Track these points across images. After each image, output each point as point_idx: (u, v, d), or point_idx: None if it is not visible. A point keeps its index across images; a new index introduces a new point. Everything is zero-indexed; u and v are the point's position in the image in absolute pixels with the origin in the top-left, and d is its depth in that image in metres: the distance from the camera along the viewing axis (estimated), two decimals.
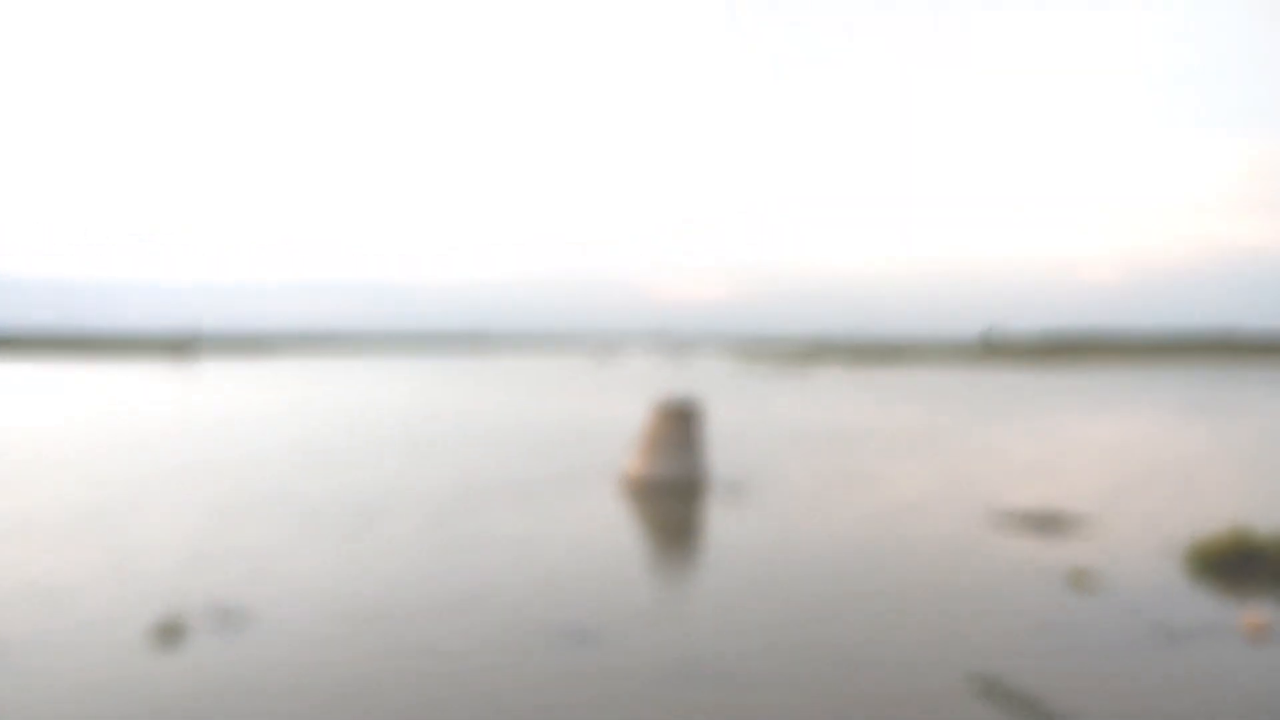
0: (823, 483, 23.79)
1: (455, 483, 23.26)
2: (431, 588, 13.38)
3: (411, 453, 29.49)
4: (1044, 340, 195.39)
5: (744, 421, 41.99)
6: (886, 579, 14.00)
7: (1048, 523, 18.11)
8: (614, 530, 18.19)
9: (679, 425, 23.84)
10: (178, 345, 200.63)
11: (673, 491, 22.36)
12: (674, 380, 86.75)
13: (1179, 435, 37.50)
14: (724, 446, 29.43)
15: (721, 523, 19.10)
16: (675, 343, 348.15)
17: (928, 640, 11.01)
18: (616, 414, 45.02)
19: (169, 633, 11.03)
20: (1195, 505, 20.00)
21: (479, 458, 28.21)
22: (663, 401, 24.56)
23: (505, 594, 13.10)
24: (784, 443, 33.15)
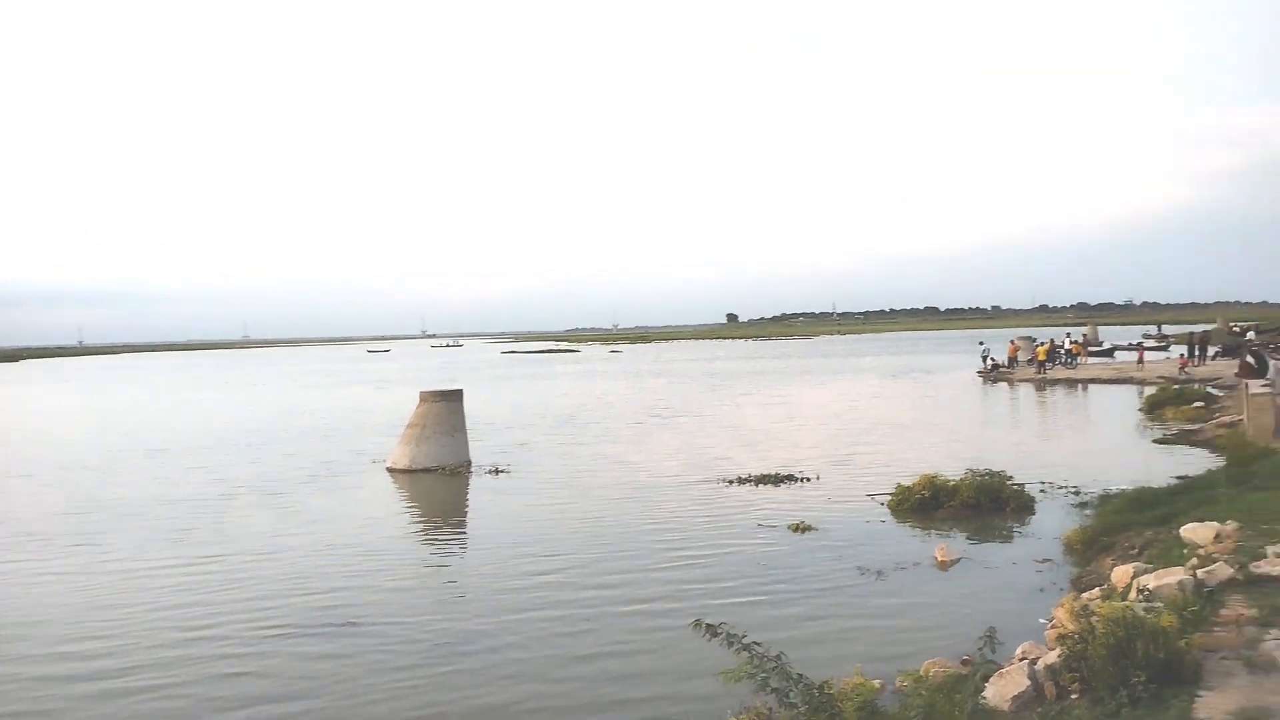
0: (578, 460, 24.91)
1: (210, 484, 22.34)
2: (179, 595, 13.09)
3: (162, 458, 27.81)
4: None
5: (510, 406, 42.63)
6: (634, 543, 15.14)
7: (774, 481, 20.04)
8: (378, 518, 18.36)
9: (443, 413, 24.12)
10: None
11: (438, 477, 22.69)
12: (444, 370, 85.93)
13: (883, 397, 42.06)
14: (488, 431, 29.90)
15: (484, 504, 19.74)
16: (447, 335, 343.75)
17: (665, 592, 12.20)
18: (385, 404, 44.28)
19: None
20: (897, 458, 22.74)
21: (236, 458, 27.09)
22: (428, 391, 24.73)
23: (254, 588, 13.08)
24: (546, 424, 34.13)
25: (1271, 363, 24.49)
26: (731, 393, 48.08)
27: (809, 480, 20.21)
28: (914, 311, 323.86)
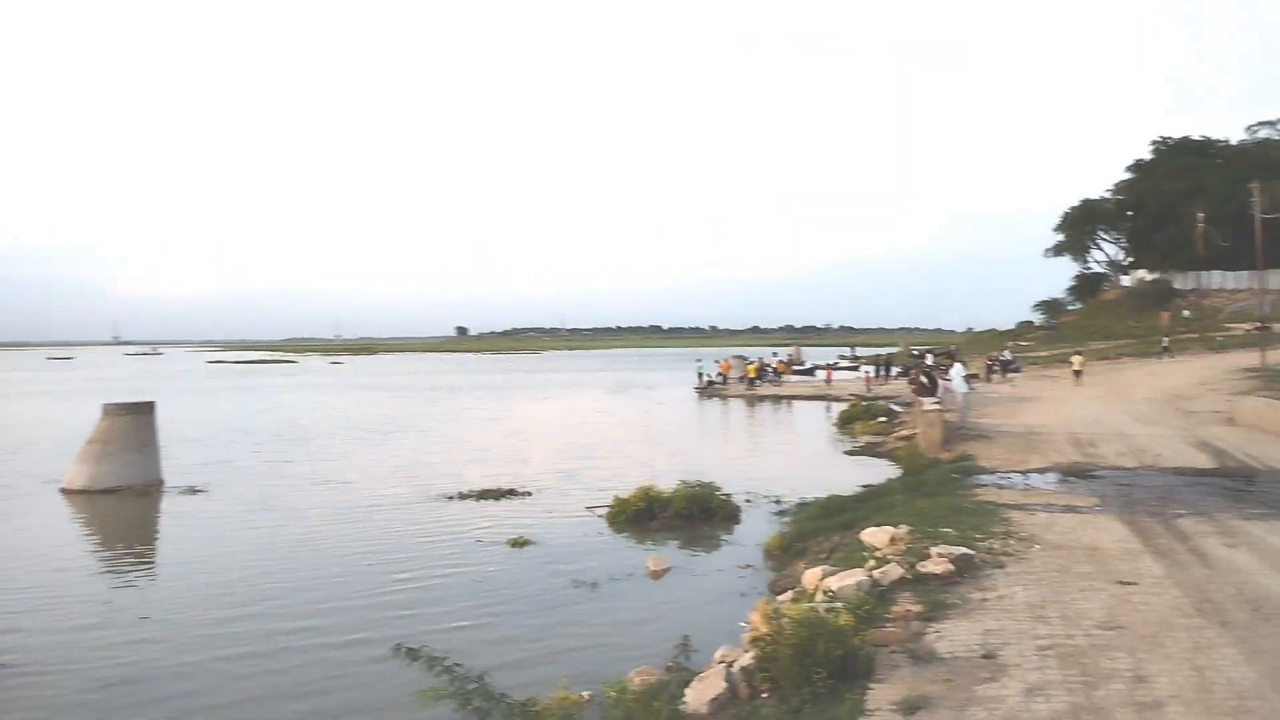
0: (287, 480, 23.40)
1: None
2: None
3: None
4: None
5: (214, 420, 39.41)
6: (345, 568, 14.35)
7: (495, 496, 19.87)
8: (48, 546, 16.24)
9: (129, 427, 21.81)
10: None
11: (122, 498, 20.47)
12: (138, 381, 77.85)
13: (607, 412, 43.19)
14: (187, 449, 27.42)
15: (177, 528, 18.00)
16: (145, 341, 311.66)
17: (377, 618, 11.65)
18: (64, 418, 39.40)
19: None
20: (618, 471, 23.28)
21: None
22: (112, 404, 22.29)
23: None
24: (253, 441, 31.85)
25: (941, 383, 27.48)
26: (456, 407, 47.37)
27: (530, 495, 20.21)
28: (639, 329, 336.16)
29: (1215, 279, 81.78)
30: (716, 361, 56.02)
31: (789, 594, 10.72)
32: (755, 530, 16.19)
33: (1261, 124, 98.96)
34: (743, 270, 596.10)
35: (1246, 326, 57.05)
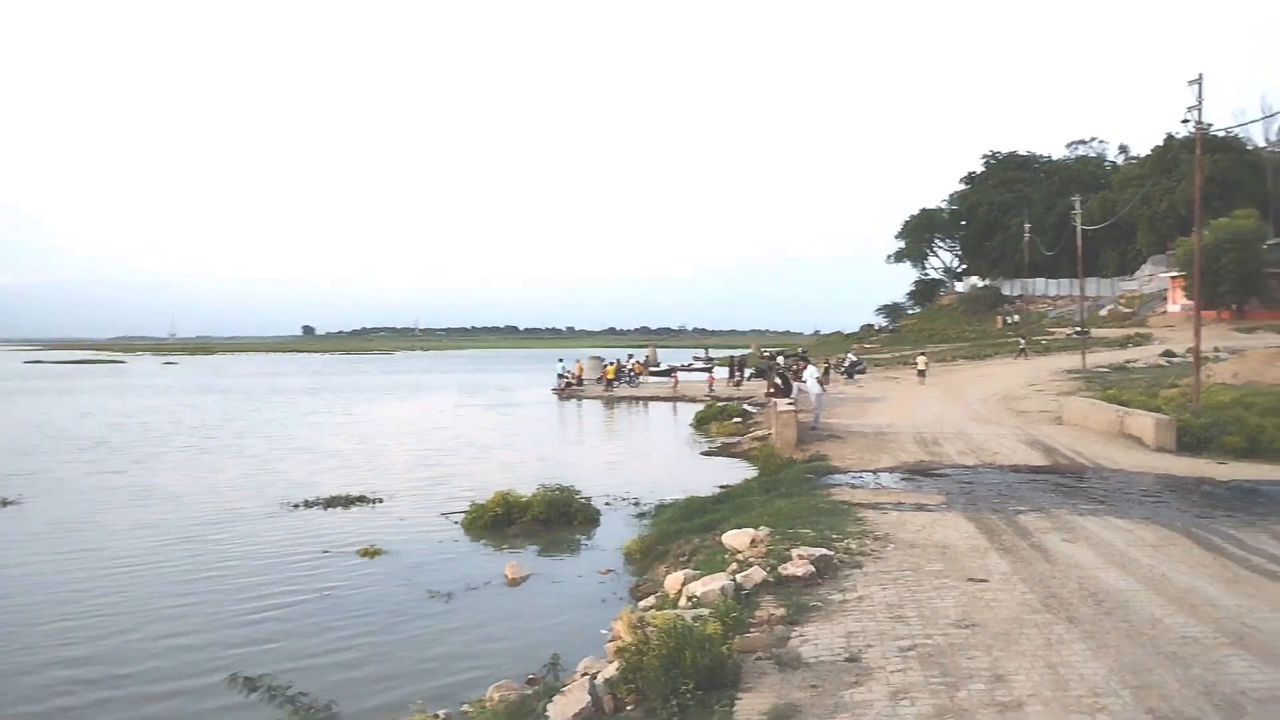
0: (111, 492, 21.67)
1: None
2: None
3: None
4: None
5: (27, 426, 36.30)
6: (177, 589, 13.28)
7: (345, 504, 19.02)
8: None
9: None
10: None
11: None
12: None
13: (463, 415, 42.29)
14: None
15: None
16: None
17: (215, 640, 10.82)
18: None
19: None
20: (475, 476, 22.73)
21: None
22: None
23: None
24: (72, 449, 29.47)
25: (795, 384, 28.13)
26: (301, 411, 45.36)
27: (382, 502, 19.43)
28: (495, 330, 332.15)
29: (1039, 286, 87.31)
30: (562, 361, 55.64)
31: (651, 599, 10.58)
32: (615, 534, 16.04)
33: (1079, 142, 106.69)
34: (600, 272, 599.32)
35: (1067, 331, 61.08)
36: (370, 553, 14.85)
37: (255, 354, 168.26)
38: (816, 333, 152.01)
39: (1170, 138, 73.10)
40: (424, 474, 23.60)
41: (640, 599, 11.16)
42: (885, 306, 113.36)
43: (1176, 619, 7.36)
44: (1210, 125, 27.51)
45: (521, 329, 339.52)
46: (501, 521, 16.70)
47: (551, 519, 16.77)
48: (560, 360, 56.20)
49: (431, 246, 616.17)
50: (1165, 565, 9.28)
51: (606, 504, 18.65)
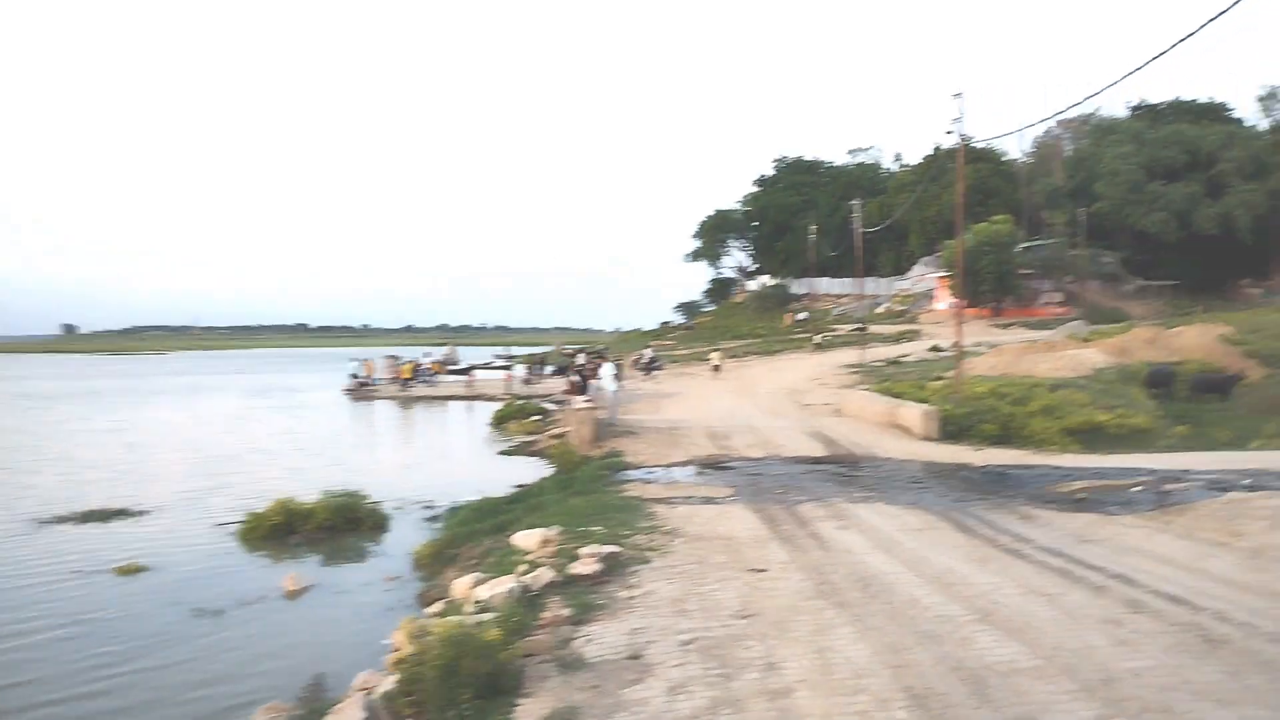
0: None
1: None
2: None
3: None
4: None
5: None
6: None
7: (103, 518, 17.46)
8: None
9: None
10: None
11: None
12: None
13: (246, 418, 39.95)
14: None
15: None
16: None
17: None
18: None
19: None
20: (257, 483, 21.42)
21: None
22: None
23: None
24: None
25: (591, 382, 28.30)
26: (57, 418, 41.39)
27: (148, 514, 17.95)
28: (283, 328, 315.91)
29: (824, 285, 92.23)
30: (356, 360, 53.54)
31: (439, 605, 10.27)
32: (406, 539, 15.53)
33: (859, 149, 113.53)
34: (397, 268, 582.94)
35: (849, 327, 64.83)
36: (130, 570, 13.66)
37: (3, 355, 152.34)
38: (618, 330, 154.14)
39: (937, 148, 78.88)
40: (199, 483, 21.99)
41: (428, 605, 10.83)
42: (683, 304, 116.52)
43: (933, 598, 7.85)
44: (971, 137, 29.90)
45: (313, 327, 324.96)
46: (282, 531, 15.79)
47: (337, 526, 16.04)
48: (353, 360, 54.10)
49: (213, 239, 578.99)
50: (926, 547, 9.92)
51: (397, 508, 18.05)
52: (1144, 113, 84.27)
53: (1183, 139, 72.98)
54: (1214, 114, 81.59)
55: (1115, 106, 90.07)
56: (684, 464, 18.07)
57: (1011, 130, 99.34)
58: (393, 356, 58.59)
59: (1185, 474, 14.50)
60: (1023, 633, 6.82)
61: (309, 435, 32.76)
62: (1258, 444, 19.89)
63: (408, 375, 50.98)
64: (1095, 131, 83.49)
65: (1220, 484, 13.13)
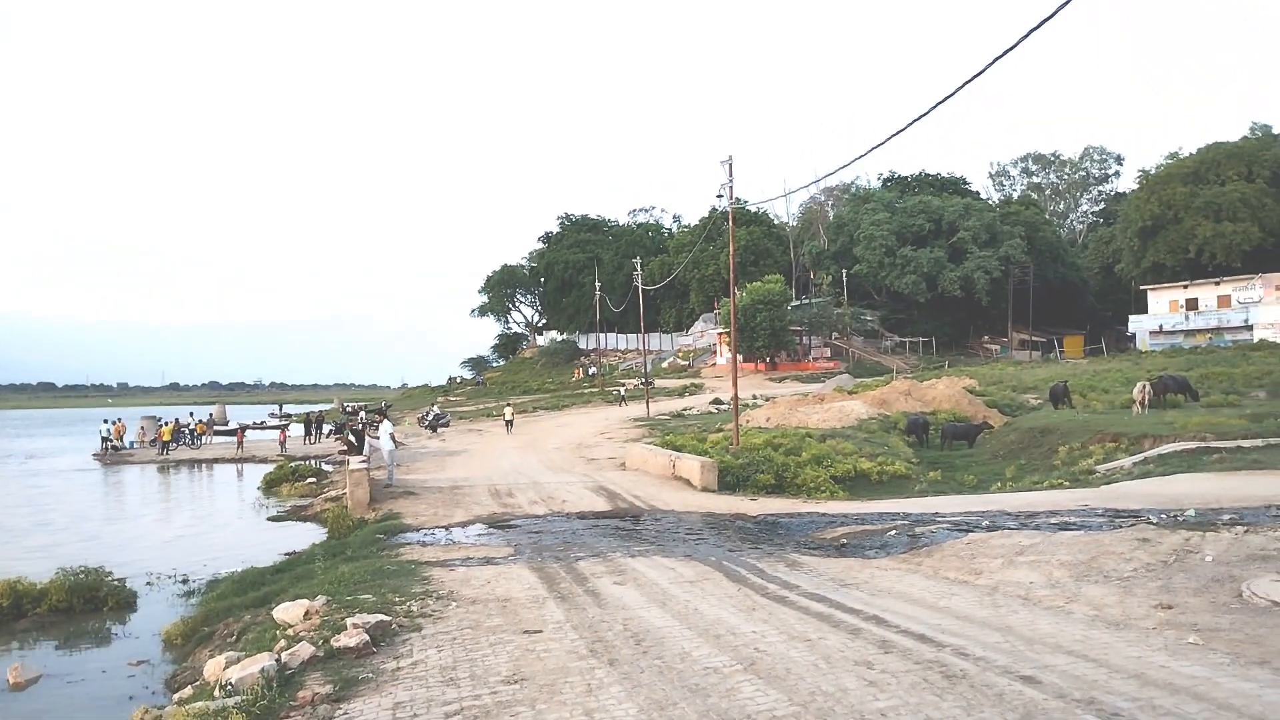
0: None
1: None
2: None
3: None
4: None
5: None
6: None
7: None
8: None
9: None
10: None
11: None
12: None
13: None
14: None
15: None
16: None
17: None
18: None
19: None
20: None
21: None
22: None
23: None
24: None
25: (369, 440, 27.26)
26: None
27: None
28: (23, 388, 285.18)
29: (611, 340, 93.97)
30: (107, 422, 49.13)
31: (188, 690, 9.43)
32: (156, 617, 14.27)
33: (640, 209, 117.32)
34: (159, 318, 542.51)
35: (635, 381, 66.19)
36: None
37: None
38: (404, 386, 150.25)
39: (713, 210, 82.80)
40: None
41: (177, 691, 9.92)
42: (471, 359, 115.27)
43: (702, 650, 7.97)
44: (744, 201, 31.58)
45: (61, 386, 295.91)
46: (8, 615, 14.18)
47: (75, 607, 14.53)
48: (105, 421, 49.61)
49: None
50: (699, 599, 10.10)
51: (149, 584, 16.60)
52: (894, 183, 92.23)
53: (928, 209, 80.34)
54: (953, 187, 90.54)
55: (870, 176, 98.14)
56: (465, 524, 17.65)
57: (777, 195, 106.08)
58: (151, 417, 54.29)
59: (935, 517, 15.63)
60: (783, 679, 7.03)
61: (48, 505, 29.60)
62: (997, 487, 21.80)
63: (167, 438, 47.25)
64: (853, 199, 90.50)
65: (964, 525, 14.23)
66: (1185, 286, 64.86)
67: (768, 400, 45.28)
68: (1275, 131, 67.86)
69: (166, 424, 49.46)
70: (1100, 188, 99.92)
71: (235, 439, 49.20)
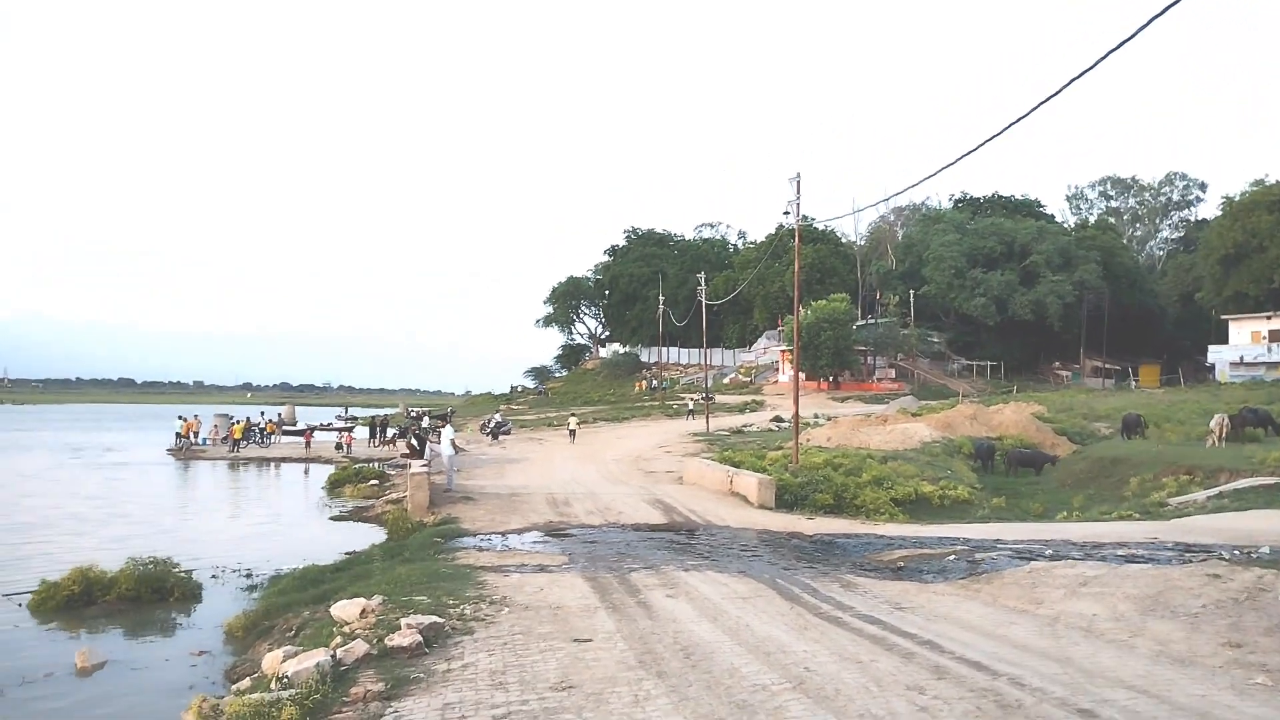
0: None
1: None
2: None
3: None
4: None
5: None
6: None
7: None
8: None
9: None
10: None
11: None
12: None
13: (58, 479, 36.98)
14: None
15: None
16: None
17: None
18: None
19: None
20: (60, 550, 19.76)
21: None
22: None
23: None
24: None
25: (430, 445, 27.65)
26: None
27: None
28: (105, 382, 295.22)
29: (673, 354, 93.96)
30: (181, 419, 50.62)
31: (246, 682, 9.65)
32: (219, 610, 14.62)
33: (706, 224, 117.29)
34: (234, 320, 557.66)
35: (696, 396, 66.03)
36: None
37: None
38: (467, 393, 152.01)
39: (779, 227, 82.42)
40: None
41: (236, 682, 10.15)
42: (534, 369, 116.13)
43: (752, 667, 7.91)
44: (811, 219, 31.43)
45: (140, 383, 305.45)
46: (79, 601, 14.64)
47: (143, 597, 14.97)
48: (180, 418, 51.14)
49: (19, 281, 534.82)
50: (750, 615, 10.03)
51: (214, 577, 17.03)
52: (965, 205, 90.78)
53: (1000, 231, 78.85)
54: (1027, 209, 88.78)
55: (942, 197, 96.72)
56: (521, 531, 17.79)
57: (845, 213, 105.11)
58: (224, 415, 55.76)
59: (997, 544, 15.29)
60: (832, 700, 6.94)
61: (125, 497, 30.58)
62: (1063, 516, 21.24)
63: (238, 436, 48.51)
64: (923, 220, 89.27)
65: (1026, 553, 13.89)
66: (1269, 318, 62.56)
67: (829, 419, 44.80)
68: None
69: (238, 422, 50.78)
70: (1181, 214, 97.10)
71: (303, 439, 50.33)
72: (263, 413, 60.73)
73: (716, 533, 17.46)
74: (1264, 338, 62.66)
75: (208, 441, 50.19)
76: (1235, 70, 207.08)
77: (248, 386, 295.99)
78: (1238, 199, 69.38)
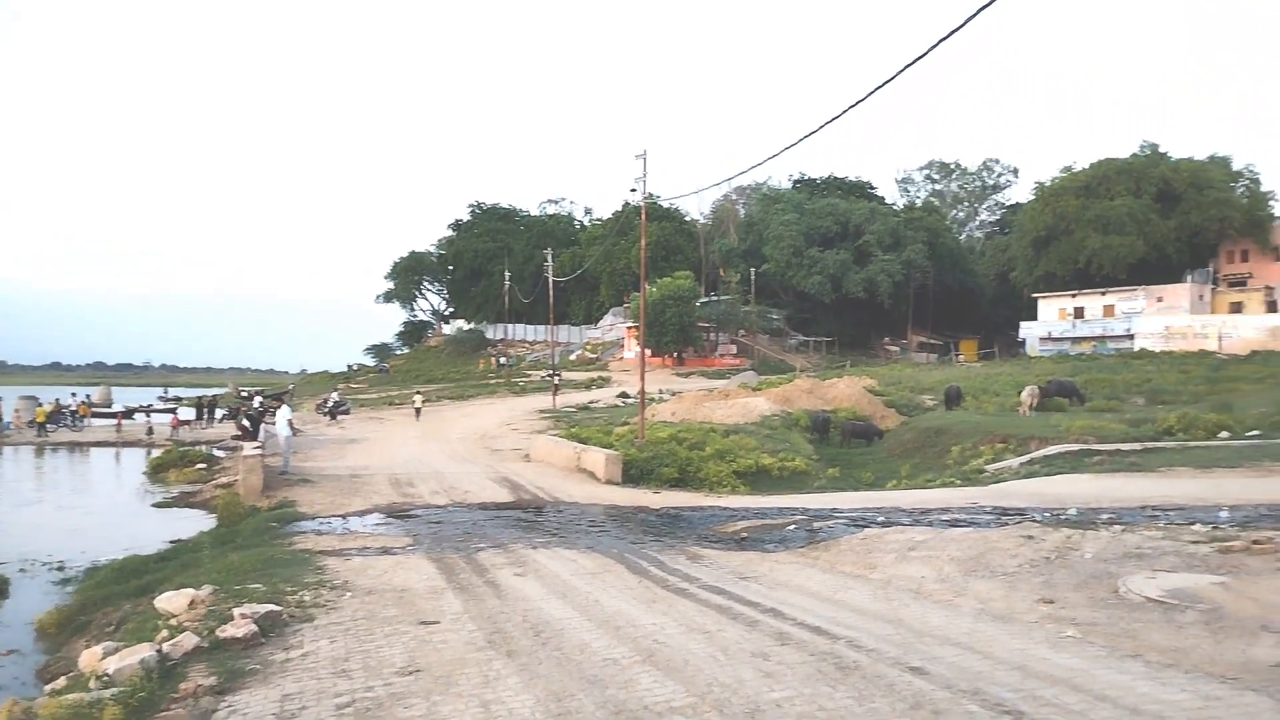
0: None
1: None
2: None
3: None
4: None
5: None
6: None
7: None
8: None
9: None
10: None
11: None
12: None
13: None
14: None
15: None
16: None
17: None
18: None
19: None
20: None
21: None
22: None
23: None
24: None
25: (264, 426, 26.44)
26: None
27: None
28: None
29: (519, 331, 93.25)
30: None
31: (61, 681, 8.97)
32: (29, 606, 13.58)
33: (550, 200, 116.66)
34: (36, 297, 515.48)
35: (543, 373, 65.84)
36: None
37: None
38: (303, 371, 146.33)
39: (626, 204, 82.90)
40: None
41: (50, 682, 9.43)
42: (374, 346, 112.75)
43: (602, 642, 7.95)
44: (656, 196, 31.68)
45: None
46: None
47: None
48: None
49: None
50: (600, 591, 10.08)
51: (21, 571, 15.78)
52: (804, 185, 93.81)
53: (836, 211, 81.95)
54: (861, 190, 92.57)
55: (782, 177, 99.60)
56: (363, 513, 17.26)
57: (689, 192, 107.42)
58: (29, 397, 51.64)
59: (833, 512, 15.94)
60: (681, 671, 7.06)
61: None
62: (893, 484, 22.37)
63: (43, 420, 44.98)
64: (764, 199, 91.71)
65: (860, 521, 14.55)
66: (1073, 295, 67.68)
67: (674, 395, 45.53)
68: (1162, 150, 71.17)
69: (44, 405, 47.10)
70: (997, 198, 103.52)
71: (115, 422, 47.17)
72: (74, 394, 56.56)
73: (564, 509, 17.46)
74: (1069, 314, 67.79)
75: (11, 426, 46.35)
76: (1050, 61, 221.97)
77: (57, 366, 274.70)
78: (1048, 184, 74.47)
